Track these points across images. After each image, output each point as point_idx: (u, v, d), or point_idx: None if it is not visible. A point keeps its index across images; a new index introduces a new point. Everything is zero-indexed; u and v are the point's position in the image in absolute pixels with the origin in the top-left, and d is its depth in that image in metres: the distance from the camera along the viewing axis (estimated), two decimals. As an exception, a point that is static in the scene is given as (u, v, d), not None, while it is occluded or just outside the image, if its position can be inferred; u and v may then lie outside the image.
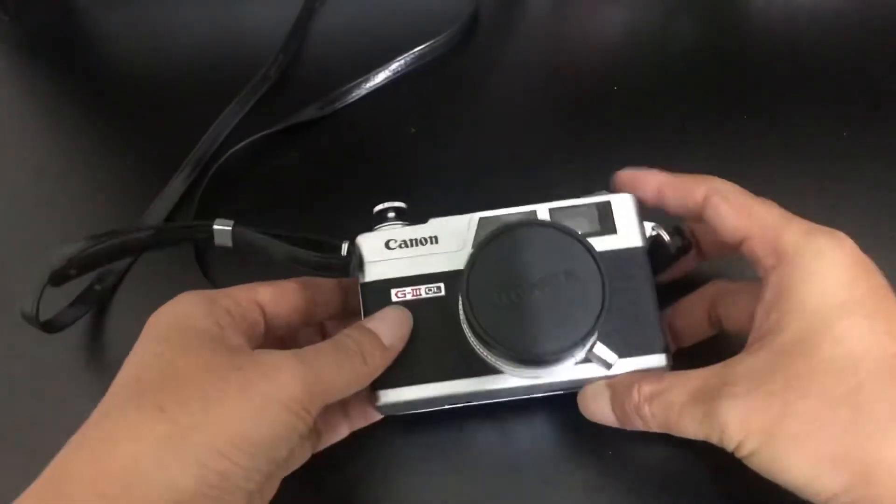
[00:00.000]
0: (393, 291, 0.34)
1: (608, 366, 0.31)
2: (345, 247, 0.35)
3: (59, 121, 0.53)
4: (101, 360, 0.42)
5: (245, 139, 0.49)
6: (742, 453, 0.28)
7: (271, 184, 0.48)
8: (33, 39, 0.57)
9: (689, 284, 0.38)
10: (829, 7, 0.52)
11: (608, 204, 0.35)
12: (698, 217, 0.33)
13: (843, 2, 0.53)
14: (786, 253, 0.30)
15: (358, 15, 0.56)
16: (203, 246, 0.44)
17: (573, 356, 0.31)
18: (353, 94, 0.51)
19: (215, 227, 0.34)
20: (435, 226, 0.35)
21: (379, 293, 0.34)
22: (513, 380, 0.33)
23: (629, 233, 0.34)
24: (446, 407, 0.35)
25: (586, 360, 0.32)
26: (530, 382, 0.33)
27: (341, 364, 0.30)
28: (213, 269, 0.45)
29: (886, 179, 0.44)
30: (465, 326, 0.33)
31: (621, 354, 0.32)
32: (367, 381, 0.32)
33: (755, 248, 0.31)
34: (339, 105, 0.51)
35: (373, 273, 0.34)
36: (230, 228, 0.34)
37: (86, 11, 0.58)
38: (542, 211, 0.35)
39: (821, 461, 0.27)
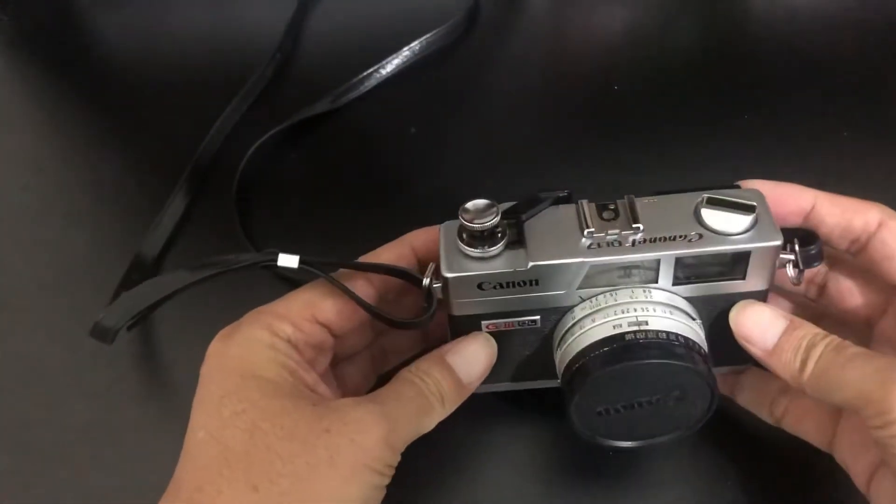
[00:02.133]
0: (484, 323, 0.31)
1: None
2: (426, 282, 0.30)
3: (58, 121, 0.53)
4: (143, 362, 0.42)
5: (244, 137, 0.49)
6: (893, 431, 0.26)
7: (283, 183, 0.48)
8: (33, 39, 0.57)
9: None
10: (830, 7, 0.53)
11: (747, 255, 0.29)
12: (858, 241, 0.31)
13: (844, 1, 0.53)
14: None
15: (351, 13, 0.56)
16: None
17: None
18: (365, 85, 0.51)
19: (280, 263, 0.32)
20: (535, 270, 0.29)
21: (468, 326, 0.32)
22: None
23: (757, 279, 0.30)
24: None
25: None
26: None
27: (423, 412, 0.29)
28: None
29: (886, 179, 0.44)
30: (556, 357, 0.31)
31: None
32: (438, 421, 0.30)
33: None
34: (352, 96, 0.51)
35: (462, 310, 0.31)
36: (297, 266, 0.32)
37: (86, 11, 0.58)
38: (668, 260, 0.29)
39: None
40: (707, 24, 0.54)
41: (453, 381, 0.30)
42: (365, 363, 0.35)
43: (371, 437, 0.27)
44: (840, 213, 0.31)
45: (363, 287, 0.32)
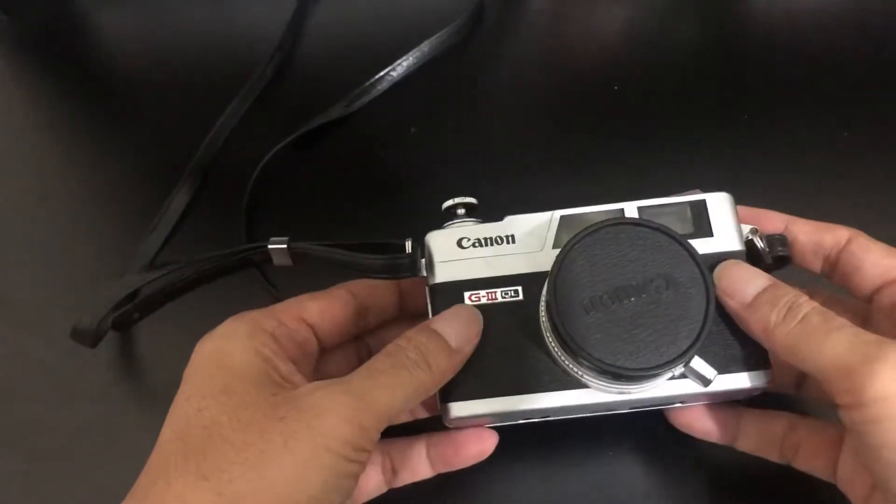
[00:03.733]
0: (466, 294, 0.31)
1: (706, 382, 0.29)
2: (408, 244, 0.32)
3: (59, 121, 0.53)
4: (133, 367, 0.42)
5: (244, 139, 0.49)
6: (867, 415, 0.25)
7: (294, 189, 0.48)
8: (33, 39, 0.57)
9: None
10: (830, 7, 0.52)
11: (703, 203, 0.32)
12: (830, 258, 0.32)
13: (844, 2, 0.53)
14: None
15: (352, 12, 0.56)
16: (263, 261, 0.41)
17: (670, 372, 0.29)
18: (378, 88, 0.51)
19: (270, 246, 0.32)
20: (511, 224, 0.32)
21: (450, 295, 0.31)
22: (598, 395, 0.30)
23: (727, 235, 0.31)
24: (520, 422, 0.32)
25: (681, 375, 0.30)
26: (618, 398, 0.30)
27: (400, 381, 0.28)
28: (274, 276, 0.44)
29: (887, 180, 0.44)
30: (547, 335, 0.30)
31: (720, 370, 0.29)
32: (432, 390, 0.29)
33: None
34: (365, 100, 0.51)
35: (443, 274, 0.31)
36: (286, 246, 0.32)
37: (86, 11, 0.58)
38: (630, 209, 0.32)
39: None
40: (707, 24, 0.54)
41: (440, 344, 0.29)
42: None
43: (330, 420, 0.26)
44: (811, 231, 0.32)
45: (345, 296, 0.33)
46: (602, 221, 0.29)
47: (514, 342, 0.31)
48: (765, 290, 0.29)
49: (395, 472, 0.34)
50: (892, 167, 0.45)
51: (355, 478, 0.27)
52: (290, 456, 0.25)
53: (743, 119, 0.48)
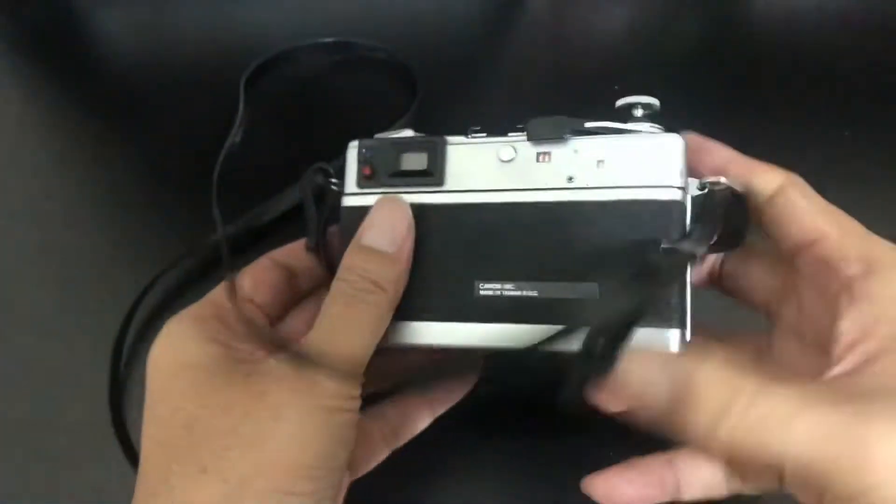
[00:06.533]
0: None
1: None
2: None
3: (58, 121, 0.53)
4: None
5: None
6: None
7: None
8: (33, 39, 0.57)
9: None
10: (831, 7, 0.52)
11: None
12: (758, 207, 0.29)
13: (845, 2, 0.53)
14: (879, 261, 0.26)
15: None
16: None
17: None
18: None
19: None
20: None
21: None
22: None
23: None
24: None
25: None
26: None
27: (361, 315, 0.27)
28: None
29: (888, 180, 0.44)
30: None
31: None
32: (389, 307, 0.28)
33: (832, 251, 0.27)
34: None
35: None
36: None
37: (86, 11, 0.58)
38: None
39: None
40: (707, 23, 0.54)
41: (378, 259, 0.28)
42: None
43: (310, 380, 0.26)
44: (744, 171, 0.30)
45: (267, 263, 0.32)
46: None
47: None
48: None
49: (394, 433, 0.34)
50: (893, 167, 0.45)
51: (354, 426, 0.27)
52: (285, 424, 0.25)
53: (743, 119, 0.48)
